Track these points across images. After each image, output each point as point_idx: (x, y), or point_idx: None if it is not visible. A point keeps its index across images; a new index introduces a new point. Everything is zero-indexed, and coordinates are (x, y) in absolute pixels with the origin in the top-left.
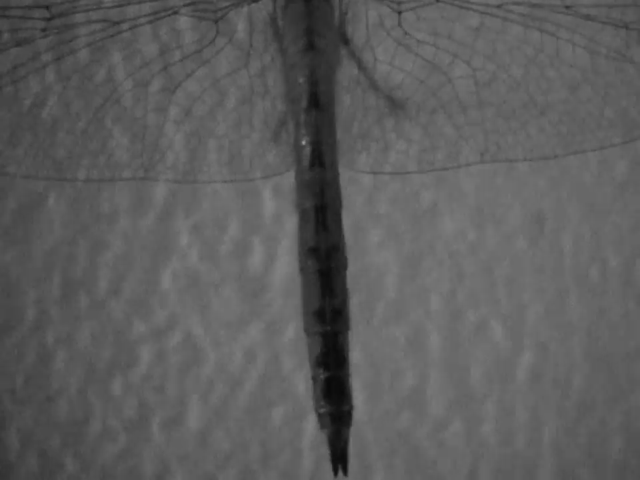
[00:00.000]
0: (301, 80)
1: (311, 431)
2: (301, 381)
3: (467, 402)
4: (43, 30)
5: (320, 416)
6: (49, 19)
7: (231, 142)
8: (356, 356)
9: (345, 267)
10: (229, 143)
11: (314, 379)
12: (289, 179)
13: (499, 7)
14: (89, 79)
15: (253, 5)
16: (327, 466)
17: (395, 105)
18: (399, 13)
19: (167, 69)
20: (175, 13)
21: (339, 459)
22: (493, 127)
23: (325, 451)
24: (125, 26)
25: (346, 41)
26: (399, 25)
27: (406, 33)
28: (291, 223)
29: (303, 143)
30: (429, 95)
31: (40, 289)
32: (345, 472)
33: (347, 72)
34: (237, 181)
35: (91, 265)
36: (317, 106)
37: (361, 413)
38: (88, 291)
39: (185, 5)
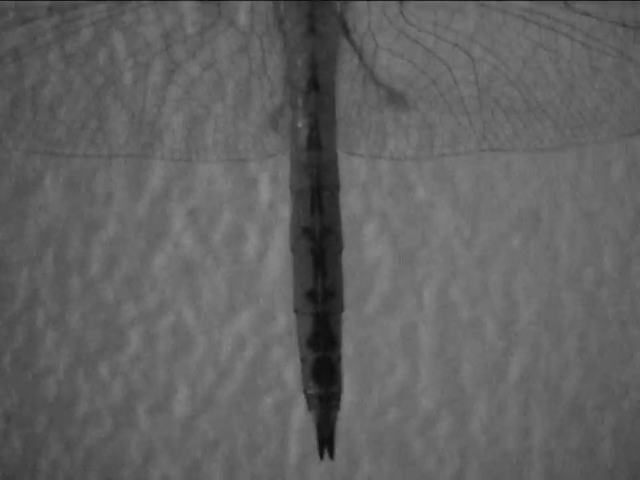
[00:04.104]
0: (301, 63)
1: (299, 421)
2: (290, 370)
3: (456, 399)
4: (49, 9)
5: (308, 397)
6: None
7: (229, 123)
8: (346, 347)
9: (339, 249)
10: (226, 124)
11: (303, 360)
12: (286, 167)
13: None
14: (90, 57)
15: None
16: (315, 456)
17: (395, 94)
18: (401, 1)
19: (167, 50)
20: None
21: (326, 441)
22: (492, 116)
23: (313, 441)
24: (128, 6)
25: (347, 30)
26: (401, 13)
27: (407, 22)
28: (286, 210)
29: (300, 125)
30: (429, 83)
31: (32, 268)
32: (332, 455)
33: (347, 61)
34: (233, 161)
35: (84, 246)
36: (316, 89)
37: (350, 405)
38: (80, 271)
39: None
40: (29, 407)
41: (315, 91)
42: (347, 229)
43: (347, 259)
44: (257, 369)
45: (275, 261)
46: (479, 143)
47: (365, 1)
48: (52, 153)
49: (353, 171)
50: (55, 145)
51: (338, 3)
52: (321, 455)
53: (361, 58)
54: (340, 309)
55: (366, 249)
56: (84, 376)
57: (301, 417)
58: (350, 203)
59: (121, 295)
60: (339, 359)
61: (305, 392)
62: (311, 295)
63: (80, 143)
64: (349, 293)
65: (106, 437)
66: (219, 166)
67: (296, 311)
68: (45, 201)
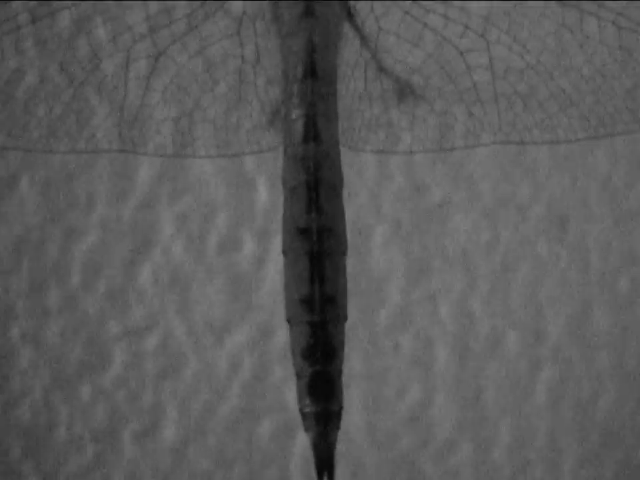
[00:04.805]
0: (297, 48)
1: (301, 448)
2: (291, 390)
3: (477, 424)
4: None
5: (304, 416)
6: None
7: (219, 115)
8: (355, 368)
9: (341, 250)
10: (216, 116)
11: (298, 374)
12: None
13: None
14: (67, 42)
15: None
16: None
17: (401, 82)
18: None
19: (151, 34)
20: None
21: (325, 465)
22: (508, 104)
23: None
24: None
25: (349, 12)
26: None
27: (413, 2)
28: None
29: (295, 116)
30: (438, 69)
31: (6, 279)
32: None
33: (348, 46)
34: (226, 158)
35: (63, 255)
36: (313, 76)
37: (359, 432)
38: (59, 283)
39: None
40: (1, 434)
41: (312, 79)
42: (353, 233)
43: (354, 266)
44: (254, 389)
45: (274, 269)
46: (495, 135)
47: None
48: (26, 150)
49: (360, 169)
50: (30, 142)
51: None
52: None
53: (363, 43)
54: (341, 317)
55: (374, 256)
56: (63, 399)
57: (304, 443)
58: (357, 204)
59: (104, 309)
60: (339, 373)
61: (300, 410)
62: (306, 302)
63: (57, 139)
64: (356, 305)
65: (87, 467)
66: (212, 165)
67: (288, 321)
68: (19, 205)
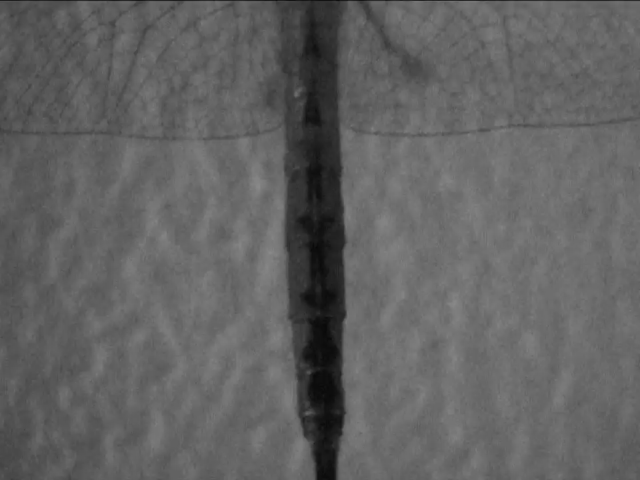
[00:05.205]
0: (297, 21)
1: (299, 457)
2: (288, 394)
3: (491, 431)
4: None
5: (304, 421)
6: None
7: (212, 93)
8: (358, 371)
9: (341, 243)
10: (208, 95)
11: (299, 375)
12: (282, 147)
13: None
14: (45, 15)
15: None
16: None
17: (409, 59)
18: None
19: (138, 6)
20: None
21: (326, 475)
22: (525, 84)
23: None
24: None
25: None
26: None
27: None
28: (282, 202)
29: (296, 95)
30: (449, 45)
31: None
32: None
33: (352, 19)
34: (217, 140)
35: (39, 247)
36: (314, 53)
37: (362, 440)
38: (35, 277)
39: None
40: None
41: (313, 55)
42: (356, 223)
43: (356, 259)
44: (248, 393)
45: (269, 263)
46: (511, 117)
47: None
48: (0, 131)
49: (363, 153)
50: (4, 122)
51: None
52: None
53: (368, 16)
54: (341, 314)
55: (379, 249)
56: (39, 403)
57: (302, 452)
58: (360, 191)
59: (84, 305)
60: (340, 374)
61: (300, 415)
62: (309, 298)
63: (34, 119)
64: (359, 303)
65: (65, 478)
66: (202, 149)
67: (291, 318)
68: None
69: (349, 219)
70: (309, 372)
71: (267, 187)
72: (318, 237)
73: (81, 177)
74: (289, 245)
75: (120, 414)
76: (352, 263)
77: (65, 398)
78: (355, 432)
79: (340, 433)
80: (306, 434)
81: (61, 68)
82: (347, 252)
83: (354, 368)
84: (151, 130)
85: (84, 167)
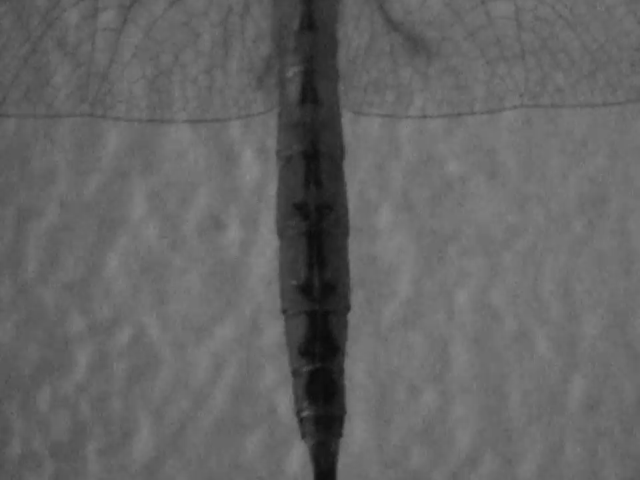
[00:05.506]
0: None
1: (297, 465)
2: (285, 396)
3: (501, 436)
4: None
5: (302, 421)
6: None
7: (201, 73)
8: (359, 371)
9: (343, 231)
10: (198, 75)
11: (295, 373)
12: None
13: None
14: None
15: None
16: None
17: (413, 36)
18: None
19: None
20: None
21: (325, 477)
22: (536, 62)
23: None
24: None
25: None
26: None
27: None
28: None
29: (291, 73)
30: (456, 20)
31: None
32: None
33: None
34: (207, 123)
35: (16, 239)
36: (311, 27)
37: (365, 446)
38: (12, 272)
39: None
40: None
41: (309, 30)
42: (357, 212)
43: (357, 252)
44: (241, 395)
45: (264, 256)
46: (521, 97)
47: None
48: None
49: (365, 137)
50: None
51: None
52: None
53: None
54: (344, 307)
55: (382, 240)
56: (17, 407)
57: (299, 457)
58: (359, 178)
59: (65, 302)
60: (341, 371)
61: (297, 415)
62: (305, 290)
63: (11, 101)
64: (360, 298)
65: None
66: (191, 133)
67: (284, 311)
68: None
69: (351, 208)
70: (306, 369)
71: (260, 174)
72: (316, 225)
73: (61, 164)
74: (281, 233)
75: (104, 419)
76: (352, 255)
77: (44, 402)
78: (356, 437)
79: (340, 434)
80: (304, 435)
81: (40, 46)
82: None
83: (354, 369)
84: (136, 112)
85: (64, 153)
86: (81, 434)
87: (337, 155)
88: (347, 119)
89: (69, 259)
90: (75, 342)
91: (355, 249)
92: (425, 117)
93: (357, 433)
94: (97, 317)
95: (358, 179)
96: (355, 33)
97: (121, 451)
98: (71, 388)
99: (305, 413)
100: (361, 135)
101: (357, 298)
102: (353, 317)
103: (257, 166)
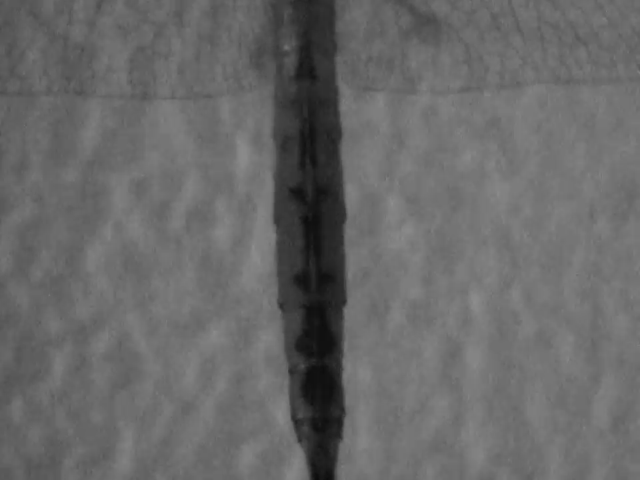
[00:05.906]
0: None
1: (294, 477)
2: (280, 404)
3: (519, 449)
4: None
5: (297, 424)
6: None
7: (189, 47)
8: (364, 379)
9: (341, 218)
10: (185, 48)
11: (291, 370)
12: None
13: None
14: None
15: None
16: None
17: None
18: None
19: None
20: None
21: None
22: (554, 33)
23: None
24: None
25: None
26: None
27: None
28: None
29: (287, 47)
30: None
31: None
32: None
33: None
34: (196, 100)
35: None
36: None
37: (370, 460)
38: None
39: None
40: None
41: (306, 1)
42: (360, 204)
43: (362, 248)
44: (233, 404)
45: (258, 252)
46: (537, 71)
47: None
48: None
49: (368, 121)
50: None
51: None
52: None
53: None
54: (341, 299)
55: (388, 235)
56: None
57: (296, 470)
58: (364, 167)
59: (41, 302)
60: (339, 370)
61: (293, 418)
62: (302, 280)
63: None
64: (365, 298)
65: None
66: (179, 115)
67: (281, 305)
68: None
69: (352, 199)
70: (302, 366)
71: (254, 160)
72: (313, 210)
73: (36, 151)
74: (278, 220)
75: (82, 430)
76: (355, 252)
77: (18, 411)
78: (361, 450)
79: (339, 437)
80: (299, 438)
81: (12, 18)
82: (349, 239)
83: (359, 376)
84: (118, 89)
85: (40, 138)
86: (57, 447)
87: (334, 135)
88: (350, 99)
89: (45, 255)
90: (52, 346)
91: (361, 246)
92: (433, 92)
93: (362, 446)
94: (75, 318)
95: (362, 169)
96: (354, 2)
97: (102, 466)
98: (47, 397)
99: (301, 415)
100: (365, 119)
101: (361, 299)
102: (356, 320)
103: (250, 150)
